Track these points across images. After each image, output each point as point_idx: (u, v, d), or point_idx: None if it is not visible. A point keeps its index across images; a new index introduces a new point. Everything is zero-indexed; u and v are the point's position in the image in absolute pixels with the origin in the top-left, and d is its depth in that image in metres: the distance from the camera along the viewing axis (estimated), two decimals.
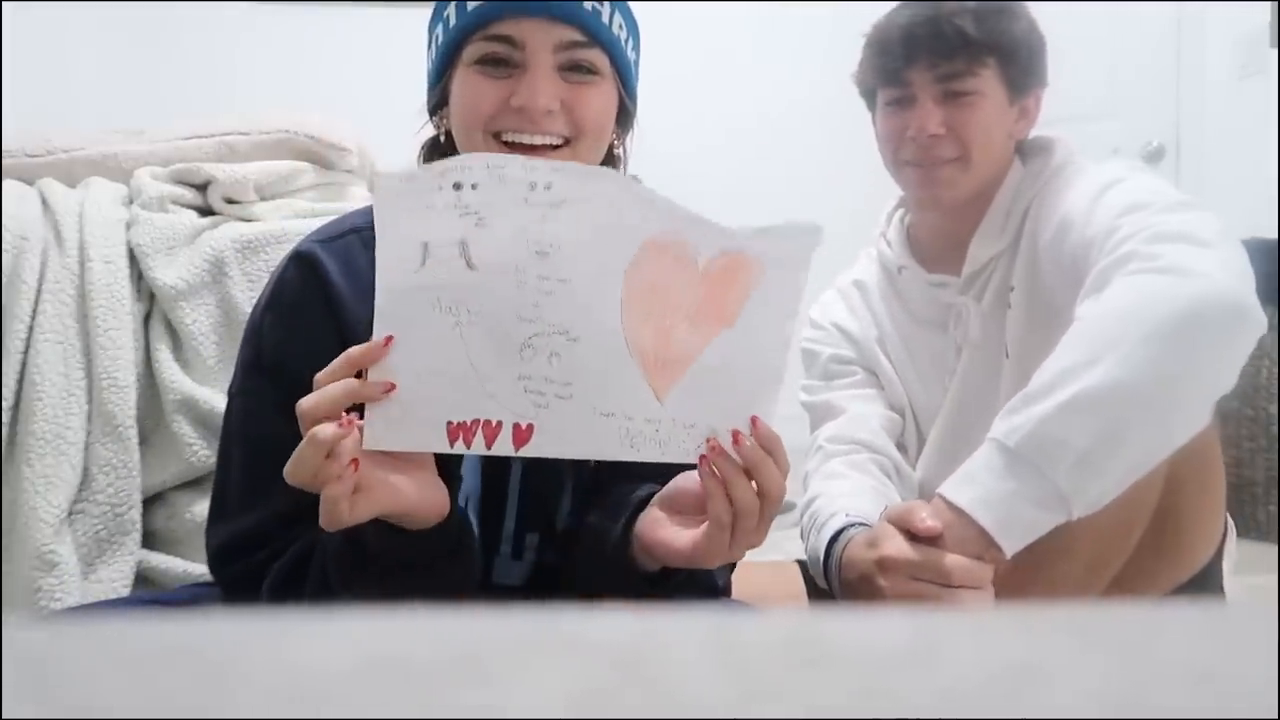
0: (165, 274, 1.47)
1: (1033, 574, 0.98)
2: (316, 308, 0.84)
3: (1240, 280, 0.94)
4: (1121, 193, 1.06)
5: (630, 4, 0.89)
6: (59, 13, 3.06)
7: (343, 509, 0.67)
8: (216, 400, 1.42)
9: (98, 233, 1.48)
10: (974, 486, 0.93)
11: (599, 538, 0.85)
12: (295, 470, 0.67)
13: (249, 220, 1.56)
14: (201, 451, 1.42)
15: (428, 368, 0.70)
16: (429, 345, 0.69)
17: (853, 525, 1.04)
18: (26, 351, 1.40)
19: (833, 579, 1.04)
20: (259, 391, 0.85)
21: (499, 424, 0.71)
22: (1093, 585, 1.04)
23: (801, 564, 1.21)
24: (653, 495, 0.83)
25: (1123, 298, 0.94)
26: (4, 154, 1.61)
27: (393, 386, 0.69)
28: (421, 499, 0.72)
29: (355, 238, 0.87)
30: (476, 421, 0.71)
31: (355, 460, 0.67)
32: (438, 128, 0.91)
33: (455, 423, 0.71)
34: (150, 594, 1.16)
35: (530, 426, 0.72)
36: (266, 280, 0.90)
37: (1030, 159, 1.21)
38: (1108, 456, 0.90)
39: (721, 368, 0.76)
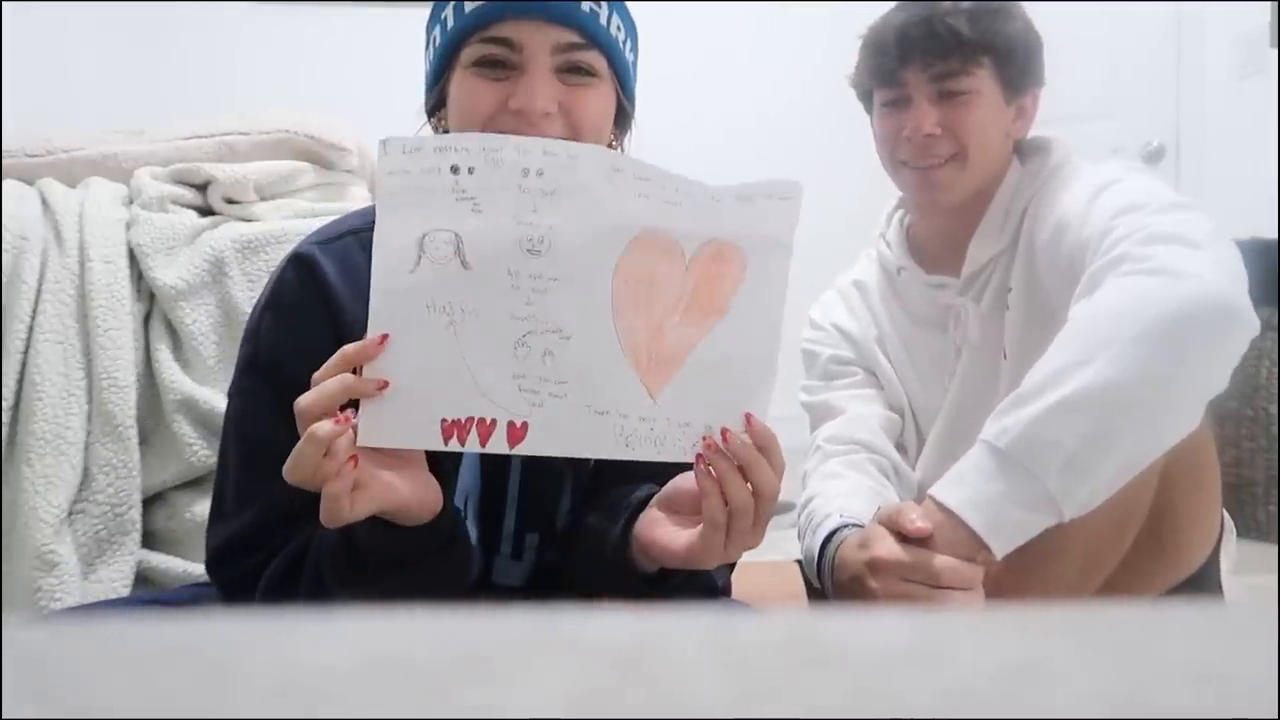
0: (165, 274, 1.47)
1: (1026, 575, 0.98)
2: (314, 309, 0.84)
3: (1232, 281, 0.94)
4: (1117, 194, 1.06)
5: (629, 4, 0.89)
6: (59, 13, 3.06)
7: (343, 505, 0.67)
8: (216, 400, 1.42)
9: (98, 233, 1.48)
10: (964, 488, 0.93)
11: (598, 538, 0.85)
12: (294, 468, 0.67)
13: (249, 220, 1.56)
14: (201, 451, 1.42)
15: (422, 366, 0.70)
16: (423, 344, 0.70)
17: (846, 526, 1.05)
18: (26, 351, 1.40)
19: (826, 580, 1.04)
20: (256, 392, 0.85)
21: (493, 422, 0.72)
22: (1087, 586, 1.04)
23: (800, 564, 1.21)
24: (652, 496, 0.83)
25: (1114, 299, 0.94)
26: (4, 154, 1.61)
27: (387, 383, 0.69)
28: (415, 495, 0.73)
29: (353, 239, 0.87)
30: (471, 419, 0.71)
31: (354, 457, 0.68)
32: (436, 128, 0.91)
33: (449, 420, 0.71)
34: (150, 594, 1.16)
35: (524, 425, 0.72)
36: (266, 280, 0.91)
37: (1028, 159, 1.21)
38: (1098, 458, 0.90)
39: (716, 362, 0.76)
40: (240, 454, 0.85)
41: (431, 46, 0.88)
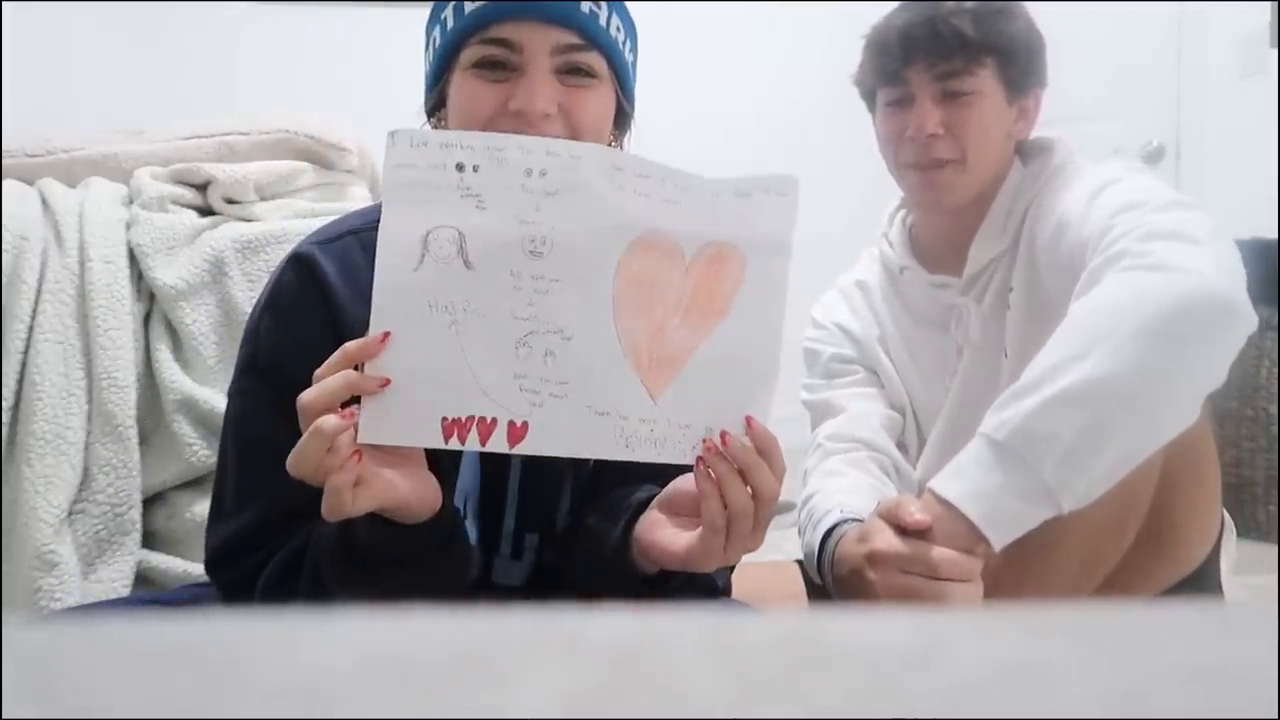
0: (165, 274, 1.47)
1: (1025, 568, 0.98)
2: (314, 309, 0.84)
3: (1230, 278, 0.94)
4: (1116, 193, 1.06)
5: (628, 4, 0.89)
6: (59, 13, 3.06)
7: (346, 498, 0.68)
8: (216, 400, 1.42)
9: (98, 233, 1.48)
10: (962, 480, 0.93)
11: (598, 539, 0.85)
12: (298, 462, 0.68)
13: (249, 220, 1.56)
14: (201, 451, 1.42)
15: (423, 364, 0.70)
16: (424, 343, 0.70)
17: (847, 521, 1.05)
18: (26, 351, 1.40)
19: (826, 575, 1.04)
20: (255, 392, 0.85)
21: (493, 421, 0.72)
22: (1086, 582, 1.04)
23: (801, 563, 1.21)
24: (653, 497, 0.83)
25: (1113, 294, 0.95)
26: (4, 154, 1.61)
27: (388, 381, 0.70)
28: (414, 493, 0.73)
29: (353, 239, 0.87)
30: (471, 418, 0.72)
31: (358, 451, 0.68)
32: (436, 129, 0.91)
33: (450, 419, 0.71)
34: (150, 594, 1.17)
35: (525, 424, 0.72)
36: (266, 280, 0.91)
37: (1030, 160, 1.21)
38: (1095, 450, 0.90)
39: (717, 363, 0.76)
40: (240, 454, 0.85)
41: (431, 47, 0.88)
